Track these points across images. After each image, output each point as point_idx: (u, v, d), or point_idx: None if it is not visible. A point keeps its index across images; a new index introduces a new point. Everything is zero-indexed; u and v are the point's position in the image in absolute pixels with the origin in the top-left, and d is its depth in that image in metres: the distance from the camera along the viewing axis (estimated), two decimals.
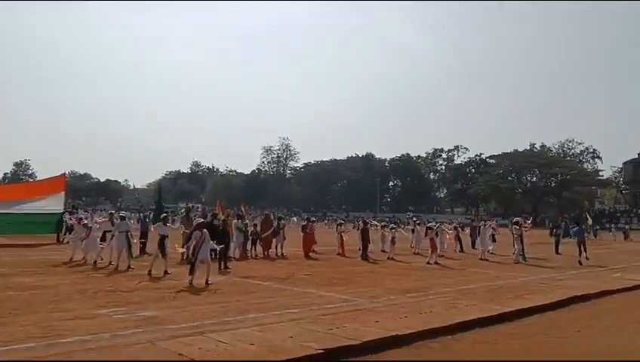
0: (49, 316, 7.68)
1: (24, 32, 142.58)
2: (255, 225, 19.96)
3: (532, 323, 8.65)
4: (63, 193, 24.07)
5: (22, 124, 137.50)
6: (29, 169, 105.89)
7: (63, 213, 23.17)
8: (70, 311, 8.14)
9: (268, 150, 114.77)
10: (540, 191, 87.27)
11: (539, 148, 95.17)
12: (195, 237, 11.76)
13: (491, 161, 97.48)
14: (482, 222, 24.70)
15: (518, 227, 19.85)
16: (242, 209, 21.98)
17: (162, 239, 13.37)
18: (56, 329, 6.77)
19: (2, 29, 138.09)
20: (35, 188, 25.93)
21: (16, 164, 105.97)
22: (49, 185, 24.70)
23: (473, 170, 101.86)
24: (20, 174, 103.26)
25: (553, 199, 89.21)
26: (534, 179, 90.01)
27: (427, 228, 18.76)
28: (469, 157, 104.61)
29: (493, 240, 22.45)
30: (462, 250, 23.39)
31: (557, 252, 24.04)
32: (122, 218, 15.38)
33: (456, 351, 6.81)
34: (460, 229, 24.67)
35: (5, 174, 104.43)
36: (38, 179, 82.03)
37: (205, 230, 12.04)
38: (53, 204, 23.19)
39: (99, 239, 15.12)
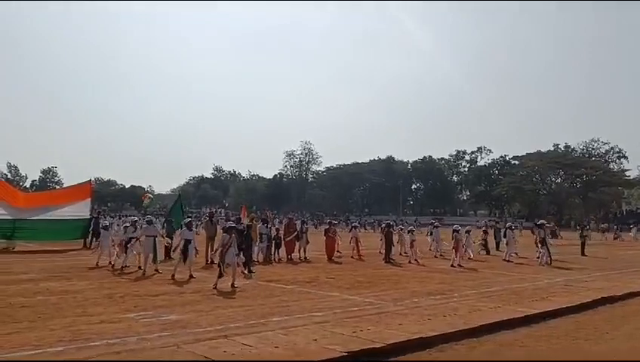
0: (77, 320, 7.82)
1: (46, 40, 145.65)
2: (277, 230, 20.05)
3: (558, 326, 8.54)
4: (89, 199, 24.44)
5: (49, 132, 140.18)
6: (56, 176, 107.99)
7: (91, 218, 23.54)
8: (97, 315, 8.29)
9: (290, 154, 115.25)
10: (564, 193, 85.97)
11: (563, 149, 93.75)
12: (223, 241, 11.86)
13: (515, 162, 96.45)
14: (507, 224, 24.52)
15: (542, 229, 19.71)
16: (267, 214, 22.16)
17: (186, 244, 13.52)
18: (84, 333, 6.89)
19: (27, 38, 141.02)
20: (62, 195, 26.31)
21: (43, 172, 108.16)
22: (76, 191, 25.09)
23: (496, 172, 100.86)
24: (47, 181, 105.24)
25: (579, 200, 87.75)
26: (559, 180, 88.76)
27: (453, 230, 18.61)
28: (492, 159, 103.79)
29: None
30: (487, 253, 23.19)
31: (583, 253, 23.69)
32: (149, 222, 15.51)
33: (482, 353, 6.76)
34: (486, 231, 24.51)
35: (33, 181, 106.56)
36: (65, 185, 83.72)
37: (234, 234, 12.14)
38: (81, 210, 23.55)
39: (125, 245, 15.30)
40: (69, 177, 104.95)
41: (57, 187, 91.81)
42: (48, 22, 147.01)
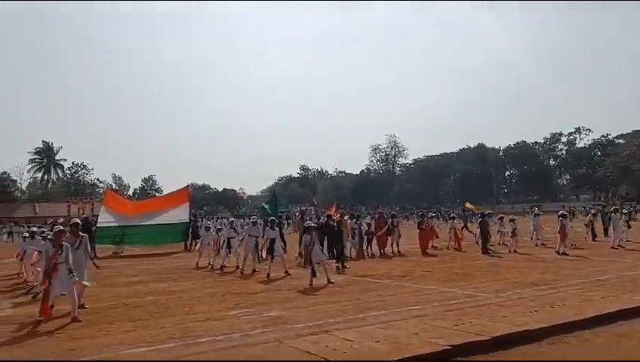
0: (185, 318, 8.23)
1: (143, 59, 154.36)
2: (369, 225, 19.99)
3: None
4: (187, 204, 25.67)
5: (147, 144, 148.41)
6: (155, 184, 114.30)
7: (190, 221, 24.69)
8: (203, 313, 8.67)
9: (376, 148, 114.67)
10: None
11: None
12: (305, 241, 12.02)
13: (619, 140, 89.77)
14: (613, 207, 22.96)
15: None
16: (354, 211, 22.26)
17: (271, 243, 13.81)
18: (192, 330, 7.23)
19: (122, 57, 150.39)
20: (164, 201, 27.79)
21: (144, 180, 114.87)
22: (175, 197, 26.47)
23: (599, 153, 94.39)
24: (147, 189, 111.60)
25: None
26: None
27: (559, 215, 17.72)
28: (593, 139, 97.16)
29: (628, 227, 20.80)
30: (594, 239, 21.90)
31: None
32: (254, 223, 15.89)
33: (597, 346, 6.31)
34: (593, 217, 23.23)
35: (135, 190, 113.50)
36: (164, 192, 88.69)
37: (314, 233, 12.26)
38: (181, 214, 24.82)
39: (225, 245, 15.86)
40: (166, 184, 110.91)
41: (157, 194, 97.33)
42: (137, 40, 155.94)
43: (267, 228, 14.69)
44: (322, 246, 13.66)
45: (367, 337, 6.45)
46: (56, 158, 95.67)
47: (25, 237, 15.48)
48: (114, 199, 26.89)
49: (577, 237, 20.68)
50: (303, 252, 12.05)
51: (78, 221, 10.39)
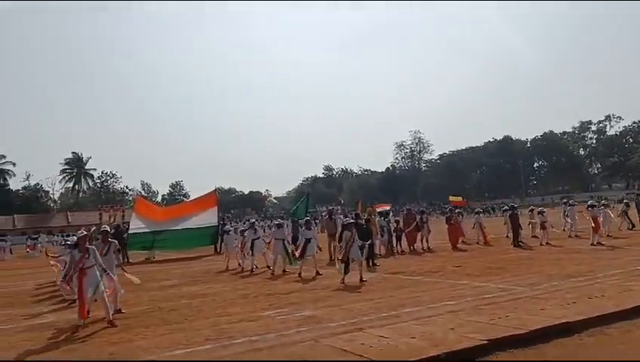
0: (219, 320, 8.27)
1: (166, 62, 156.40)
2: (397, 221, 19.90)
3: None
4: (216, 207, 25.89)
5: (173, 150, 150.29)
6: (182, 189, 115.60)
7: (219, 225, 24.91)
8: (236, 314, 8.71)
9: (400, 145, 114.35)
10: None
11: None
12: (345, 238, 11.99)
13: None
14: None
15: None
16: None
17: (306, 243, 13.83)
18: (227, 332, 7.26)
19: (144, 60, 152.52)
20: (192, 206, 28.07)
21: (172, 186, 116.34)
22: (204, 201, 26.71)
23: (631, 140, 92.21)
24: (175, 194, 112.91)
25: None
26: None
27: (588, 206, 17.37)
28: (624, 127, 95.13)
29: None
30: (630, 228, 21.39)
31: None
32: (279, 226, 16.06)
33: (639, 337, 6.15)
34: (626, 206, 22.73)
35: (163, 196, 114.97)
36: (191, 197, 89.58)
37: (354, 229, 12.22)
38: (209, 218, 25.05)
39: (250, 247, 15.96)
40: (194, 189, 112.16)
41: (185, 199, 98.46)
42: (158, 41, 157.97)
43: (302, 228, 14.70)
44: None
45: (402, 334, 6.40)
46: (85, 168, 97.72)
47: (64, 246, 15.88)
48: (144, 205, 27.33)
49: (612, 228, 20.20)
50: (343, 248, 11.97)
51: (108, 228, 10.81)
